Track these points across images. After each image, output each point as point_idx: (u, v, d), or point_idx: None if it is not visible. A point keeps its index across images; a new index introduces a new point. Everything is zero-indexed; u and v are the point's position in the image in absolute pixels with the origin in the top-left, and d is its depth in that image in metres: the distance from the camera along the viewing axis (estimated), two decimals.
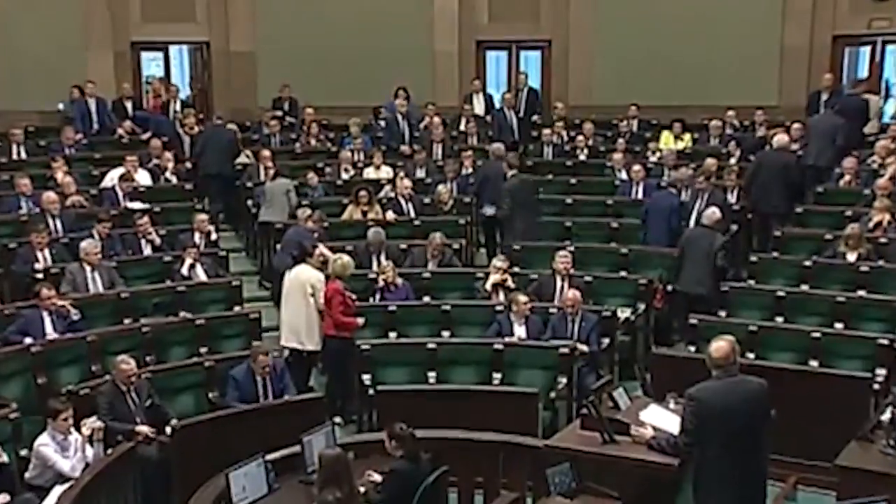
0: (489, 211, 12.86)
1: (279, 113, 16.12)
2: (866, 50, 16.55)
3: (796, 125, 13.64)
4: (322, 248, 10.23)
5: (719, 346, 5.89)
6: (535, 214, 12.36)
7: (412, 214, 12.64)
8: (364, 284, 10.53)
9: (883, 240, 10.81)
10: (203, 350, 9.51)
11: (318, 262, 9.93)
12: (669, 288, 10.81)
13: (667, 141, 14.91)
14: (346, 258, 9.83)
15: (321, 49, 16.85)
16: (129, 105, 15.85)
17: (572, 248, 11.02)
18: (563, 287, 10.18)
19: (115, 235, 11.29)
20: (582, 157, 14.81)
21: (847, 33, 16.31)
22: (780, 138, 12.59)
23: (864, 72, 16.25)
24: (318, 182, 13.37)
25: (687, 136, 15.02)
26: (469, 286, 10.77)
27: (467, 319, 10.04)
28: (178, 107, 15.81)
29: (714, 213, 10.67)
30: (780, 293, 10.02)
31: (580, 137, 15.06)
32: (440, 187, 12.91)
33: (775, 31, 16.38)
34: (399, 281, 10.46)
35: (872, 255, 10.50)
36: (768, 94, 16.09)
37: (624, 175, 13.65)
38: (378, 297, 10.35)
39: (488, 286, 10.39)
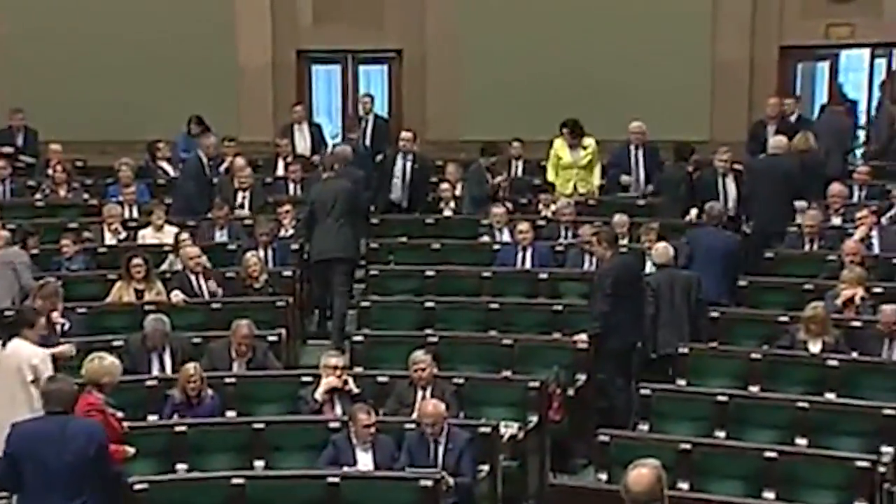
0: None
1: (8, 150, 15.94)
2: (824, 66, 17.42)
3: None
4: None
5: (640, 474, 5.90)
6: (344, 225, 13.01)
7: (208, 295, 12.56)
8: (139, 395, 10.41)
9: (856, 322, 11.19)
10: None
11: (38, 335, 9.90)
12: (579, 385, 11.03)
13: (560, 151, 14.93)
14: (108, 358, 9.48)
15: (71, 59, 16.76)
16: None
17: (435, 339, 11.02)
18: (424, 398, 10.20)
19: None
20: (447, 213, 15.02)
21: (798, 44, 17.14)
22: (778, 140, 13.55)
23: (822, 93, 17.11)
24: (76, 250, 13.17)
25: (590, 143, 14.93)
26: (292, 395, 10.69)
27: (290, 443, 9.97)
28: None
29: (667, 248, 11.81)
30: (721, 397, 10.21)
31: (444, 185, 15.26)
32: (248, 256, 12.86)
33: (704, 41, 17.05)
34: (209, 392, 10.36)
35: (843, 344, 10.84)
36: (698, 127, 16.75)
37: (506, 236, 13.89)
38: (169, 413, 10.24)
39: (319, 395, 10.35)
